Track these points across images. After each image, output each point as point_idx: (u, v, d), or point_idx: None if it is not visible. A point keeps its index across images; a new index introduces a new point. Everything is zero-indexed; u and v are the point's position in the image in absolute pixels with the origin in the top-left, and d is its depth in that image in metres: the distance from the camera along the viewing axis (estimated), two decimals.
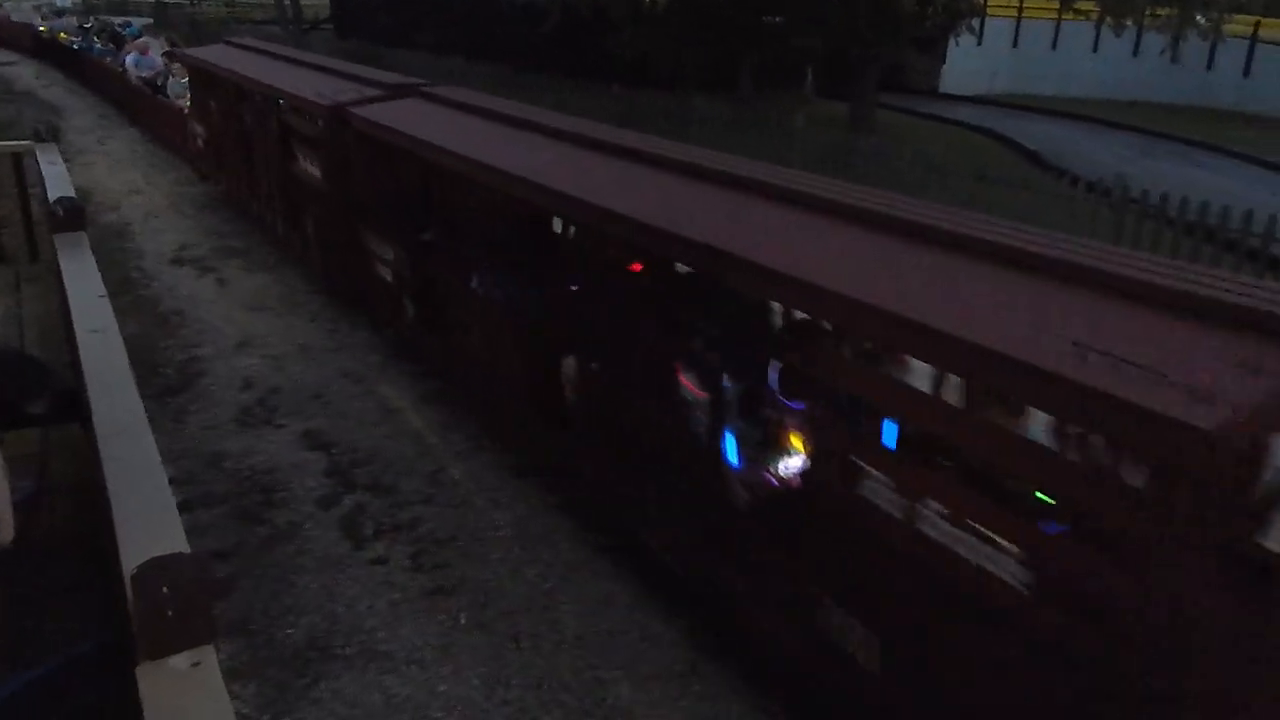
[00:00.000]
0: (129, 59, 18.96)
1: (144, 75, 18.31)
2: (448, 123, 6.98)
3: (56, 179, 6.55)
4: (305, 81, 9.05)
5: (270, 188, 10.36)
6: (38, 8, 43.70)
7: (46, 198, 6.29)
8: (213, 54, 12.61)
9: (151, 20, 43.84)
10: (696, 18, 20.89)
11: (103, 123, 19.73)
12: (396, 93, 8.01)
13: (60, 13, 36.54)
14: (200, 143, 13.31)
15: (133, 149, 17.15)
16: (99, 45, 24.88)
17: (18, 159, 8.62)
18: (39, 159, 7.40)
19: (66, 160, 7.50)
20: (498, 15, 28.62)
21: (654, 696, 4.33)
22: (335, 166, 8.19)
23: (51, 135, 7.79)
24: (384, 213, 7.50)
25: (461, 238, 6.55)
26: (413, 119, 7.16)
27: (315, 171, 8.76)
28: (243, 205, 11.96)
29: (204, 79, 12.46)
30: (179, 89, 15.92)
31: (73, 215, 5.31)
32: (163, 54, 18.61)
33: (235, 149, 11.56)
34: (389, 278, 7.56)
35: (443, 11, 31.72)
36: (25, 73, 28.23)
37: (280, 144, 9.50)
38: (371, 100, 7.78)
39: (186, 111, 14.28)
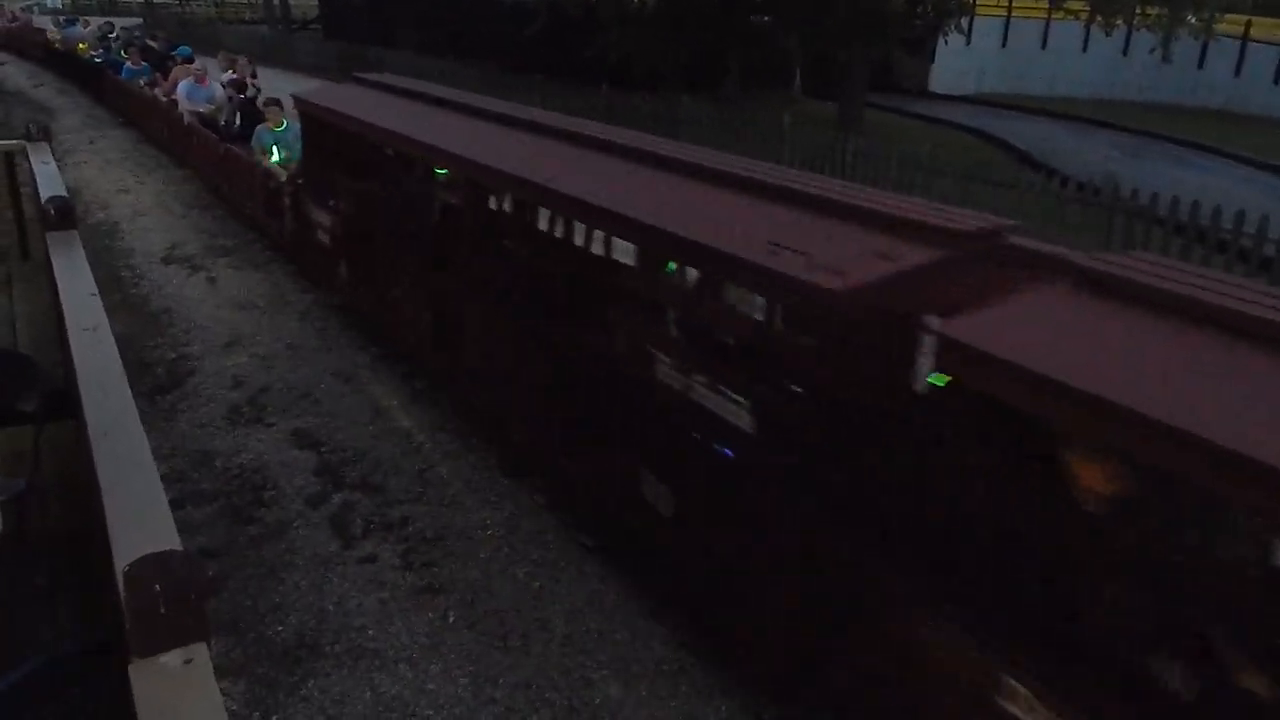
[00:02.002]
0: (181, 88, 14.78)
1: (200, 110, 14.39)
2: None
3: (48, 178, 6.54)
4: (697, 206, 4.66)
5: (515, 373, 6.02)
6: (28, 9, 43.12)
7: (38, 196, 6.29)
8: (358, 104, 8.14)
9: (141, 20, 43.80)
10: (684, 18, 20.90)
11: (91, 123, 19.67)
12: (976, 252, 3.78)
13: (72, 19, 31.33)
14: (322, 236, 8.82)
15: (122, 148, 17.10)
16: (129, 64, 19.08)
17: (9, 158, 8.61)
18: (31, 158, 7.39)
19: (56, 160, 7.49)
20: (485, 16, 28.63)
21: (642, 696, 4.36)
22: (832, 426, 3.79)
23: (43, 135, 7.77)
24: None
25: None
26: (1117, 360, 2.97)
27: (731, 413, 4.24)
28: (411, 357, 7.70)
29: (338, 142, 8.24)
30: (269, 141, 11.09)
31: (64, 214, 5.32)
32: (227, 83, 14.52)
33: (402, 275, 7.39)
34: None
35: (430, 12, 31.72)
36: (14, 73, 28.12)
37: (591, 327, 5.26)
38: (950, 277, 3.67)
39: (285, 180, 10.00)
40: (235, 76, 14.76)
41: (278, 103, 11.18)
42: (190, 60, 16.43)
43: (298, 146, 10.15)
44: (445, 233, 6.81)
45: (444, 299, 6.75)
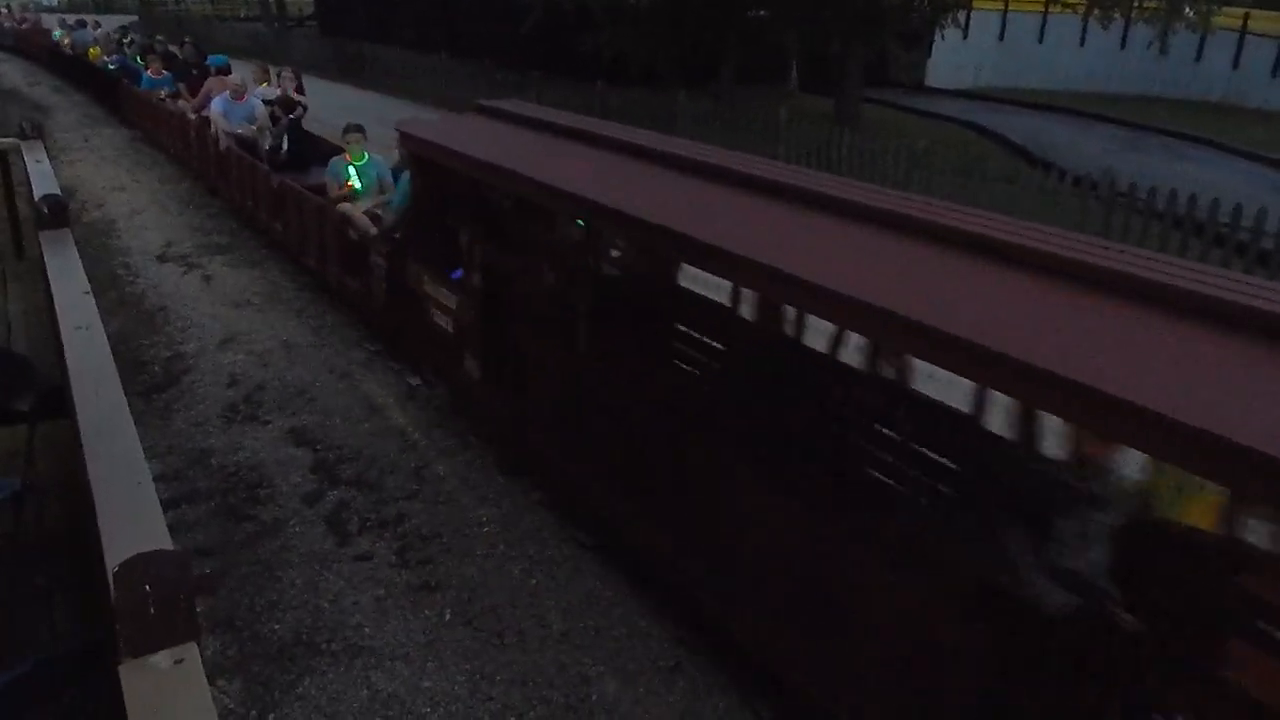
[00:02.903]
0: (216, 104, 12.21)
1: (239, 132, 11.91)
2: None
3: (42, 176, 6.52)
4: None
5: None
6: (26, 7, 42.87)
7: (32, 195, 6.27)
8: (499, 147, 5.99)
9: (137, 19, 43.71)
10: (681, 15, 20.86)
11: (87, 121, 19.62)
12: None
13: (82, 22, 29.44)
14: (439, 318, 6.79)
15: (117, 146, 17.06)
16: (149, 74, 16.92)
17: (3, 157, 8.59)
18: (24, 157, 7.37)
19: (51, 158, 7.47)
20: (481, 13, 28.62)
21: (639, 693, 4.35)
22: None
23: (37, 133, 7.74)
24: None
25: None
26: None
27: None
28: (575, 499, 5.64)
29: (468, 195, 6.44)
30: (347, 176, 8.84)
31: (57, 212, 5.30)
32: (274, 100, 12.17)
33: (579, 387, 5.36)
34: None
35: (426, 9, 31.71)
36: (11, 71, 28.06)
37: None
38: None
39: (376, 234, 7.83)
40: (279, 93, 12.41)
41: (360, 129, 9.02)
42: (226, 71, 13.94)
43: (386, 183, 8.79)
44: (655, 333, 5.23)
45: (651, 428, 4.75)
